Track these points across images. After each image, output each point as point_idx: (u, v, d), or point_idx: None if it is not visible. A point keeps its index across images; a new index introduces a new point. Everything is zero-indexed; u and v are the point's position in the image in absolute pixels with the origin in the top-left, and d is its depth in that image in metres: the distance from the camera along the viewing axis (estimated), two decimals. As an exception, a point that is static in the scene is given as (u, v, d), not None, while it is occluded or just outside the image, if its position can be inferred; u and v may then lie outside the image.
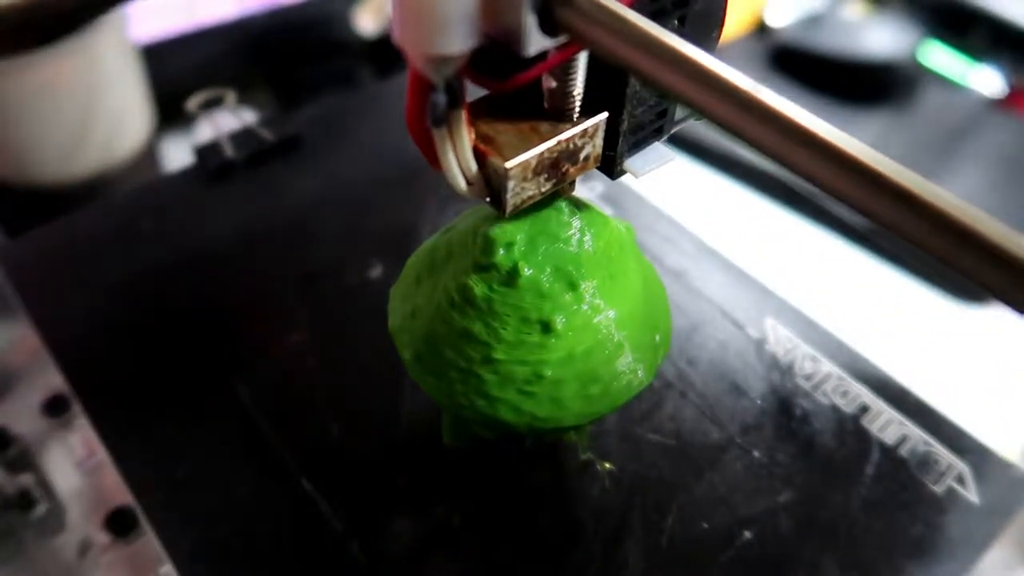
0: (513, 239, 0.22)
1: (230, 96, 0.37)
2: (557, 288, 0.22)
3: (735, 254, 0.35)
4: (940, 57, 0.87)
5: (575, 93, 0.20)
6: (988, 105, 0.84)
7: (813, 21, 0.90)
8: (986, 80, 0.85)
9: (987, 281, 0.12)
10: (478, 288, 0.22)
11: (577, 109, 0.21)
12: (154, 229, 0.35)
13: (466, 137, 0.19)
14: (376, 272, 0.33)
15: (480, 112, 0.21)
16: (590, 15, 0.15)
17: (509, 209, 0.20)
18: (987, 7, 0.86)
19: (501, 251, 0.22)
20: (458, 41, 0.16)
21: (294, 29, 0.75)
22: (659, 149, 0.23)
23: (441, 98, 0.17)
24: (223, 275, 0.34)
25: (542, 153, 0.20)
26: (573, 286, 0.22)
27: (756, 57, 0.91)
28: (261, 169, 0.38)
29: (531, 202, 0.21)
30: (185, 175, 0.38)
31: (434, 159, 0.20)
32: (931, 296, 0.58)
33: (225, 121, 0.38)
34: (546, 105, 0.20)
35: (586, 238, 0.22)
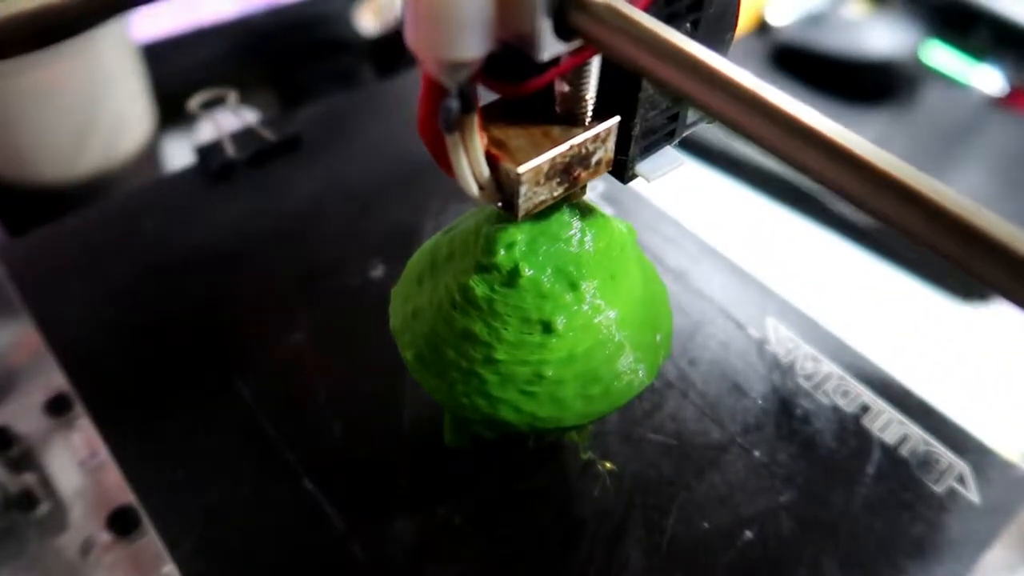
0: (514, 239, 0.22)
1: (231, 96, 0.37)
2: (558, 288, 0.22)
3: (736, 254, 0.35)
4: (941, 56, 0.87)
5: (588, 97, 0.20)
6: (989, 104, 0.84)
7: (814, 20, 0.90)
8: (987, 79, 0.85)
9: (991, 278, 0.12)
10: (479, 288, 0.22)
11: (589, 113, 0.20)
12: (155, 229, 0.35)
13: (478, 142, 0.19)
14: (377, 272, 0.33)
15: (492, 116, 0.20)
16: (604, 19, 0.15)
17: (521, 214, 0.20)
18: (988, 6, 0.86)
19: (502, 251, 0.22)
20: (474, 46, 0.16)
21: (295, 28, 0.75)
22: (670, 153, 0.22)
23: (454, 103, 0.17)
24: (225, 274, 0.34)
25: (554, 158, 0.20)
26: (574, 286, 0.22)
27: (757, 56, 0.91)
28: (262, 169, 0.38)
29: (543, 206, 0.21)
30: (186, 175, 0.38)
31: (446, 164, 0.19)
32: (932, 296, 0.58)
33: (226, 121, 0.38)
34: (558, 109, 0.20)
35: (587, 238, 0.22)
